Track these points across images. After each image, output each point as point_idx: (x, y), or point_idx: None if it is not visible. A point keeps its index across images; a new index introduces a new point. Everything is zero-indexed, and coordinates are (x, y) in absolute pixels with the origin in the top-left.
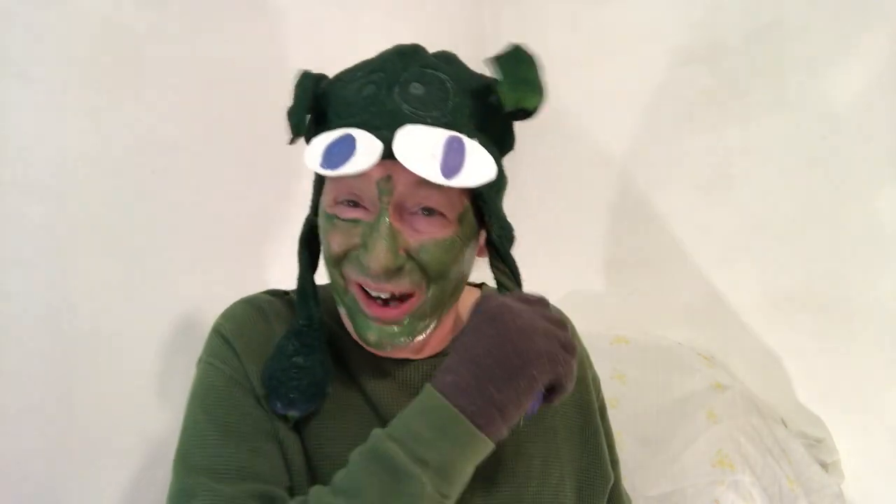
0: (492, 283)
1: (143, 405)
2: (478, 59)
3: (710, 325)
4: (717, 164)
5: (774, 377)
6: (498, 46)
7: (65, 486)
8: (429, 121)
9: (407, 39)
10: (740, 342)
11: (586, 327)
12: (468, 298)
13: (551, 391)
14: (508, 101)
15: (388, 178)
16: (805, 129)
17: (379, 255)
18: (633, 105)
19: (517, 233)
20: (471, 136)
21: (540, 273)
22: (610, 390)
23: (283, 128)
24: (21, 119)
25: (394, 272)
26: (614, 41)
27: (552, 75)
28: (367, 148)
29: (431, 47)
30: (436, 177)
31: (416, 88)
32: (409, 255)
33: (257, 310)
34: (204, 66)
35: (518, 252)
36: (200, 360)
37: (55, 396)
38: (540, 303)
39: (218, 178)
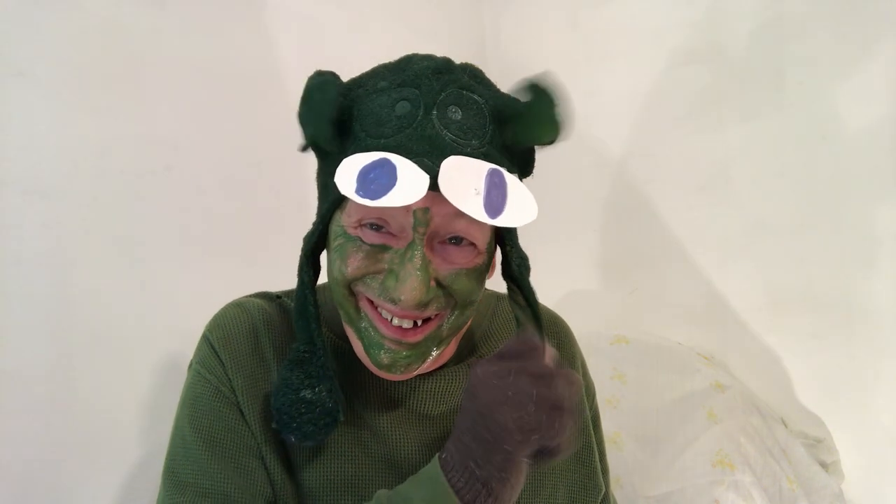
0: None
1: (142, 405)
2: (478, 59)
3: (710, 325)
4: (717, 164)
5: (774, 377)
6: (498, 46)
7: (65, 486)
8: (469, 150)
9: (407, 39)
10: (740, 342)
11: (586, 327)
12: None
13: (542, 454)
14: (522, 138)
15: (427, 209)
16: (805, 129)
17: (413, 289)
18: (633, 105)
19: (518, 231)
20: (510, 168)
21: (540, 273)
22: (610, 390)
23: (282, 127)
24: (21, 119)
25: (424, 304)
26: (614, 41)
27: (552, 75)
28: (412, 179)
29: (431, 47)
30: (481, 215)
31: (455, 112)
32: (439, 284)
33: (248, 317)
34: (204, 66)
35: None
36: (191, 365)
37: (55, 396)
38: (525, 355)
39: (218, 178)
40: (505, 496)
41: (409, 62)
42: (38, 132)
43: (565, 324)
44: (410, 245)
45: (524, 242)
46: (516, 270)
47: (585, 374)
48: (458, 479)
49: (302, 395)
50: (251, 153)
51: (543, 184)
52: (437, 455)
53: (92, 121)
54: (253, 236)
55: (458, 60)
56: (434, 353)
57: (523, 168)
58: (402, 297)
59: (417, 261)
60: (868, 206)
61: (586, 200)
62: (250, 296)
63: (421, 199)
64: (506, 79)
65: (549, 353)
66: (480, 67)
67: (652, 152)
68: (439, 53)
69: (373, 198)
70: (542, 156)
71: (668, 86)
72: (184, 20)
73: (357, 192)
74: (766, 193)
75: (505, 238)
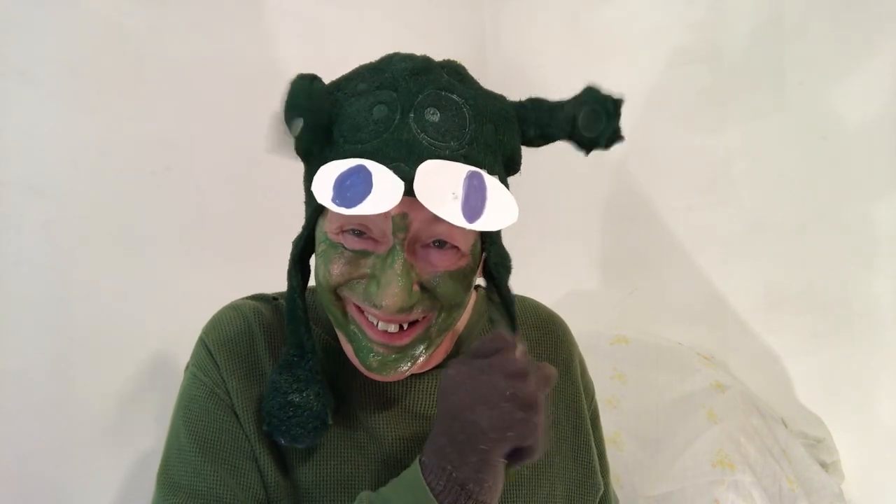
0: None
1: (142, 405)
2: (478, 59)
3: (710, 325)
4: (717, 164)
5: (774, 377)
6: (498, 46)
7: (64, 486)
8: (447, 152)
9: (407, 39)
10: (740, 342)
11: (586, 327)
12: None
13: (517, 455)
14: (586, 139)
15: (405, 215)
16: (805, 129)
17: (394, 294)
18: (633, 105)
19: (518, 231)
20: (490, 170)
21: (540, 273)
22: (610, 390)
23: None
24: (21, 119)
25: (407, 309)
26: (614, 41)
27: (552, 75)
28: (387, 186)
29: (431, 47)
30: (458, 220)
31: (433, 114)
32: (423, 287)
33: (243, 319)
34: (204, 66)
35: (519, 251)
36: (187, 367)
37: (55, 396)
38: (497, 353)
39: (218, 178)
40: (483, 498)
41: (388, 63)
42: (38, 132)
43: (563, 323)
44: (391, 250)
45: (524, 243)
46: (493, 269)
47: (584, 374)
48: (437, 482)
49: (290, 398)
50: (251, 153)
51: (544, 184)
52: (417, 458)
53: (92, 121)
54: (252, 236)
55: (458, 60)
56: (424, 355)
57: (510, 167)
58: (385, 303)
59: (398, 266)
60: (868, 206)
61: (586, 200)
62: (247, 298)
63: (399, 205)
64: (506, 79)
65: (520, 350)
66: (480, 67)
67: (652, 152)
68: (439, 53)
69: (348, 206)
70: (543, 156)
71: (668, 86)
72: (184, 20)
73: (333, 200)
74: (766, 193)
75: (485, 237)
